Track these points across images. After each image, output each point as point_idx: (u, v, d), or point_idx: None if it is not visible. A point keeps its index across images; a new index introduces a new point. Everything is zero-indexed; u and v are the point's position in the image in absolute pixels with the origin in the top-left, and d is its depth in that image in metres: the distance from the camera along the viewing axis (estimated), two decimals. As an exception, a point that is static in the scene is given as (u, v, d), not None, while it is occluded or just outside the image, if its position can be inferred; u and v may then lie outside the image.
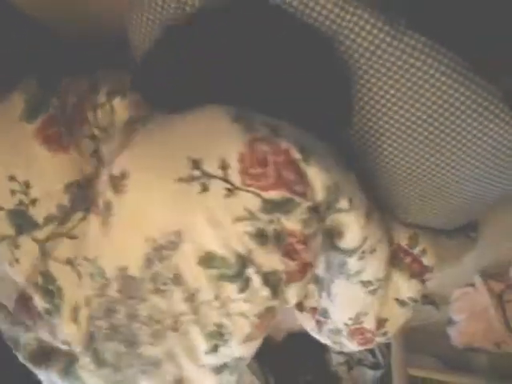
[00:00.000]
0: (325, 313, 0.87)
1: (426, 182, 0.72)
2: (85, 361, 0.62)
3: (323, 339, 0.94)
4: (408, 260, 0.79)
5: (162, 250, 0.57)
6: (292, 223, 0.56)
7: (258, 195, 0.53)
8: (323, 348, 1.30)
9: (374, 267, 0.74)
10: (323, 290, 0.84)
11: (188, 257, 0.57)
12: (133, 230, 0.56)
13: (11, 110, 0.61)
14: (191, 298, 0.59)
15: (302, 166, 0.55)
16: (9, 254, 0.62)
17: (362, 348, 0.95)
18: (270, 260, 0.56)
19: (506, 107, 0.62)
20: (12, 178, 0.59)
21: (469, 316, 1.14)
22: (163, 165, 0.55)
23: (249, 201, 0.54)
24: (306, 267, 0.59)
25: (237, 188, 0.53)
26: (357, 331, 0.87)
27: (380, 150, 0.68)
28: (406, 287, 0.81)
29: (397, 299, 0.83)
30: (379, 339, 0.88)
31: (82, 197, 0.61)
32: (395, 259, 0.79)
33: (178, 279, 0.58)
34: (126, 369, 0.63)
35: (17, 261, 0.62)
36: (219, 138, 0.55)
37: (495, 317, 1.09)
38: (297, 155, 0.55)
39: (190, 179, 0.53)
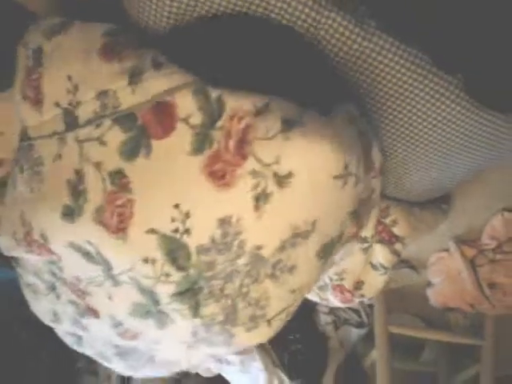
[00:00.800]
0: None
1: (396, 161, 0.81)
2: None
3: (312, 296, 1.02)
4: (379, 228, 0.86)
5: (298, 237, 0.62)
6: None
7: None
8: (311, 309, 1.41)
9: (371, 223, 0.82)
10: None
11: (310, 247, 0.65)
12: (281, 217, 0.60)
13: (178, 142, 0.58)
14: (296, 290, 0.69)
15: None
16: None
17: (344, 305, 1.04)
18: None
19: (462, 93, 0.70)
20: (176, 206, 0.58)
21: (444, 278, 1.24)
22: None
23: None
24: None
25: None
26: (337, 288, 0.93)
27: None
28: (377, 252, 0.89)
29: (370, 262, 0.91)
30: (357, 300, 0.97)
31: None
32: None
33: (292, 269, 0.66)
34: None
35: None
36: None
37: (468, 280, 1.18)
38: None
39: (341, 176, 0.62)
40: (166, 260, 0.60)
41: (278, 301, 0.71)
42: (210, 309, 0.67)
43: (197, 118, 0.57)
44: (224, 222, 0.59)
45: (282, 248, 0.63)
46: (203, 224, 0.59)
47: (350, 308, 1.39)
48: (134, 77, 0.59)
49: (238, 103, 0.57)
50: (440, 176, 0.84)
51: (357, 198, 0.68)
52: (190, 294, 0.64)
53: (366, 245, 0.85)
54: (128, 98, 0.58)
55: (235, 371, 1.31)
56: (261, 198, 0.58)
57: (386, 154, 0.79)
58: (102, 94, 0.59)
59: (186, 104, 0.57)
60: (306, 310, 1.37)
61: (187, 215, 0.58)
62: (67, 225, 0.60)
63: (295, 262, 0.66)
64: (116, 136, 0.58)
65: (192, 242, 0.59)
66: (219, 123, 0.57)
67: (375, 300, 1.25)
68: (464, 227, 1.16)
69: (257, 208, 0.59)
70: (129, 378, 1.36)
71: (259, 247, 0.62)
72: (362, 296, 0.97)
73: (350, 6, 0.66)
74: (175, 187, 0.58)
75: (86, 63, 0.62)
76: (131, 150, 0.57)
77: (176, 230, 0.58)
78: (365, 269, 0.92)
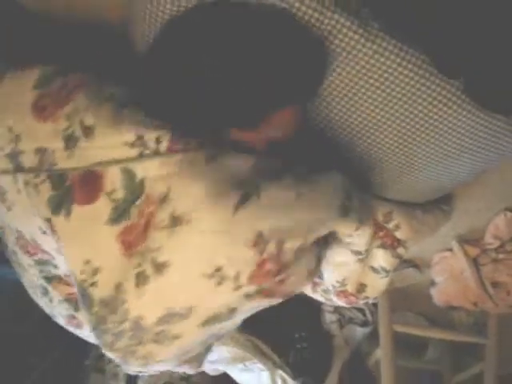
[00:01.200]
0: (321, 274, 0.95)
1: (399, 164, 0.81)
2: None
3: (317, 297, 1.03)
4: (381, 234, 0.88)
5: (176, 316, 0.68)
6: None
7: None
8: (317, 308, 1.42)
9: (363, 240, 0.84)
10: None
11: (192, 321, 0.69)
12: (157, 298, 0.67)
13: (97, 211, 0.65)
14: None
15: None
16: None
17: (349, 306, 1.06)
18: None
19: (463, 96, 0.71)
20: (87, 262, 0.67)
21: (448, 277, 1.24)
22: None
23: None
24: None
25: None
26: (341, 293, 0.95)
27: (354, 139, 0.78)
28: (379, 256, 0.90)
29: (371, 266, 0.92)
30: (362, 301, 0.98)
31: None
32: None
33: (176, 337, 0.71)
34: None
35: None
36: None
37: (471, 278, 1.19)
38: None
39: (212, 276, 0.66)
40: (79, 299, 0.71)
41: (164, 359, 0.77)
42: (109, 354, 0.76)
43: (120, 194, 0.64)
44: (118, 286, 0.67)
45: (161, 322, 0.69)
46: (106, 282, 0.67)
47: (354, 307, 1.40)
48: (70, 142, 0.65)
49: (152, 190, 0.63)
50: (442, 177, 0.84)
51: (240, 297, 0.69)
52: (97, 332, 0.73)
53: (361, 257, 0.87)
54: (63, 160, 0.65)
55: (239, 370, 1.33)
56: (141, 278, 0.65)
57: (388, 157, 0.80)
58: (41, 151, 0.67)
59: (113, 179, 0.64)
60: (312, 308, 1.38)
61: (95, 271, 0.67)
62: None
63: (179, 331, 0.71)
64: (47, 189, 0.66)
65: (96, 294, 0.68)
66: (138, 202, 0.64)
67: (379, 299, 1.25)
68: (466, 227, 1.17)
69: (137, 285, 0.66)
70: (135, 376, 1.37)
71: (140, 317, 0.69)
72: (366, 298, 0.98)
73: (353, 7, 0.68)
74: (88, 247, 0.66)
75: (22, 118, 0.68)
76: (56, 206, 0.65)
77: (84, 281, 0.67)
78: (366, 272, 0.93)
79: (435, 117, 0.73)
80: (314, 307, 1.42)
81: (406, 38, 0.68)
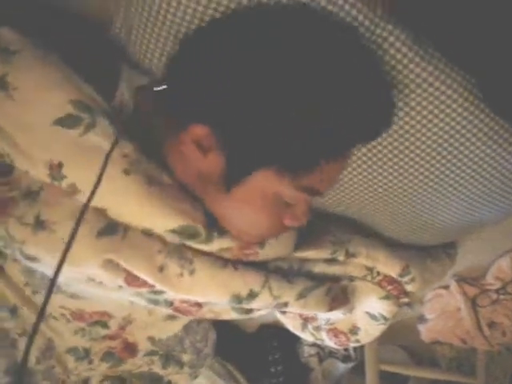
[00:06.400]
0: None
1: (429, 203, 0.71)
2: None
3: (306, 336, 0.95)
4: (390, 287, 0.81)
5: None
6: None
7: None
8: (294, 340, 1.31)
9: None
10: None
11: None
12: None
13: None
14: None
15: None
16: None
17: (339, 348, 0.99)
18: None
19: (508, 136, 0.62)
20: None
21: (439, 315, 1.17)
22: None
23: None
24: None
25: None
26: (331, 332, 0.90)
27: (381, 171, 0.67)
28: (378, 305, 0.83)
29: (368, 312, 0.85)
30: (353, 344, 0.91)
31: None
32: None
33: None
34: None
35: None
36: None
37: (467, 319, 1.12)
38: None
39: None
40: None
41: None
42: None
43: None
44: None
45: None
46: None
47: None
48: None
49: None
50: (471, 220, 0.75)
51: None
52: None
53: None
54: None
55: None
56: None
57: (416, 197, 0.70)
58: None
59: None
60: (289, 341, 1.26)
61: None
62: None
63: None
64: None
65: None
66: None
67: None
68: (467, 265, 1.09)
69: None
70: None
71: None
72: (358, 341, 0.91)
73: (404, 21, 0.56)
74: None
75: None
76: None
77: None
78: (361, 316, 0.87)
79: (481, 155, 0.64)
80: (291, 339, 1.31)
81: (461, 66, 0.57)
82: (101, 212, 0.57)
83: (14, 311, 0.74)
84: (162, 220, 0.57)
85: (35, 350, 0.78)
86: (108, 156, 0.53)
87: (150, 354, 0.86)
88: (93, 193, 0.52)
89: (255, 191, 0.55)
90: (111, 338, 0.80)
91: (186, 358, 0.90)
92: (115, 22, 0.64)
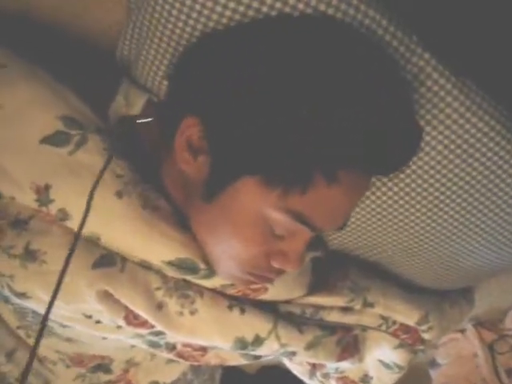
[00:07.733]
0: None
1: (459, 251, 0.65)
2: None
3: (313, 383, 0.88)
4: (405, 336, 0.75)
5: None
6: None
7: None
8: (297, 381, 1.23)
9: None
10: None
11: None
12: None
13: None
14: None
15: None
16: None
17: None
18: None
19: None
20: None
21: (453, 360, 1.11)
22: None
23: None
24: None
25: None
26: (341, 380, 0.83)
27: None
28: (391, 353, 0.77)
29: (381, 361, 0.79)
30: None
31: None
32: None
33: None
34: None
35: None
36: None
37: (484, 365, 1.05)
38: None
39: None
40: None
41: None
42: None
43: None
44: None
45: None
46: None
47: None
48: None
49: None
50: (498, 264, 0.70)
51: None
52: None
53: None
54: None
55: None
56: None
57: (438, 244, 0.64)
58: None
59: None
60: (292, 381, 1.19)
61: None
62: None
63: None
64: None
65: None
66: None
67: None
68: (484, 308, 1.03)
69: None
70: None
71: None
72: None
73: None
74: None
75: None
76: None
77: None
78: (374, 364, 0.80)
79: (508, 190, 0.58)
80: (293, 378, 1.24)
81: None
82: (95, 241, 0.52)
83: (9, 355, 0.69)
84: (158, 249, 0.52)
85: None
86: (99, 177, 0.48)
87: None
88: (84, 219, 0.47)
89: (237, 204, 0.46)
90: (114, 383, 0.75)
91: None
92: (122, 42, 0.59)
